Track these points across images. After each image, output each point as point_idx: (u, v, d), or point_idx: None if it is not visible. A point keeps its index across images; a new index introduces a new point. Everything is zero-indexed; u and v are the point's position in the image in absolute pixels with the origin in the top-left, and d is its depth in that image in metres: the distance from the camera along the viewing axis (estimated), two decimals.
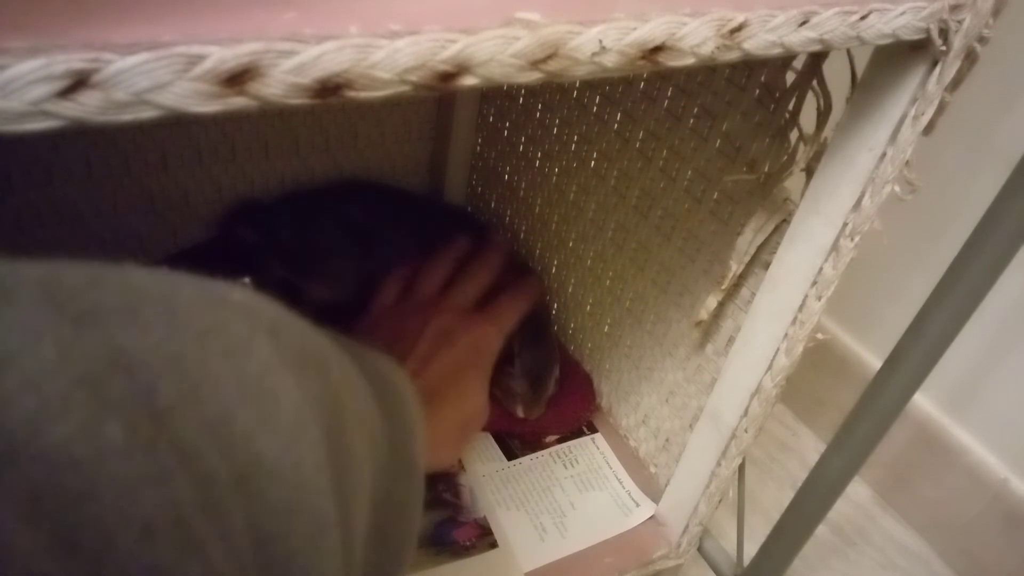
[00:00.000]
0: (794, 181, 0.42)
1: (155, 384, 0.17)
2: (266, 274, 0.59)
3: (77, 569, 0.14)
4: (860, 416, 0.47)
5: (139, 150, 0.58)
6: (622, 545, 0.53)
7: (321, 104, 0.19)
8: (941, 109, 0.35)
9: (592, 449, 0.59)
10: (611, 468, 0.58)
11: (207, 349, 0.19)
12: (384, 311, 0.55)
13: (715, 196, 0.48)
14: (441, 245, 0.59)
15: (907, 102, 0.34)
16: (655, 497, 0.56)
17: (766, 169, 0.44)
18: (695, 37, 0.25)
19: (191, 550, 0.16)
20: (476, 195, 0.75)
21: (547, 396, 0.58)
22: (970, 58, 0.33)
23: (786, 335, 0.42)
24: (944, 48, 0.32)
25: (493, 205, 0.72)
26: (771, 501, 0.73)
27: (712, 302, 0.47)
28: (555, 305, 0.67)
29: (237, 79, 0.18)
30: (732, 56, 0.26)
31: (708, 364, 0.51)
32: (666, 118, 0.51)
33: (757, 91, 0.44)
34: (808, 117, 0.41)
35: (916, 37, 0.31)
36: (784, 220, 0.42)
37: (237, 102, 0.18)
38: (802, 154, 0.41)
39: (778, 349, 0.43)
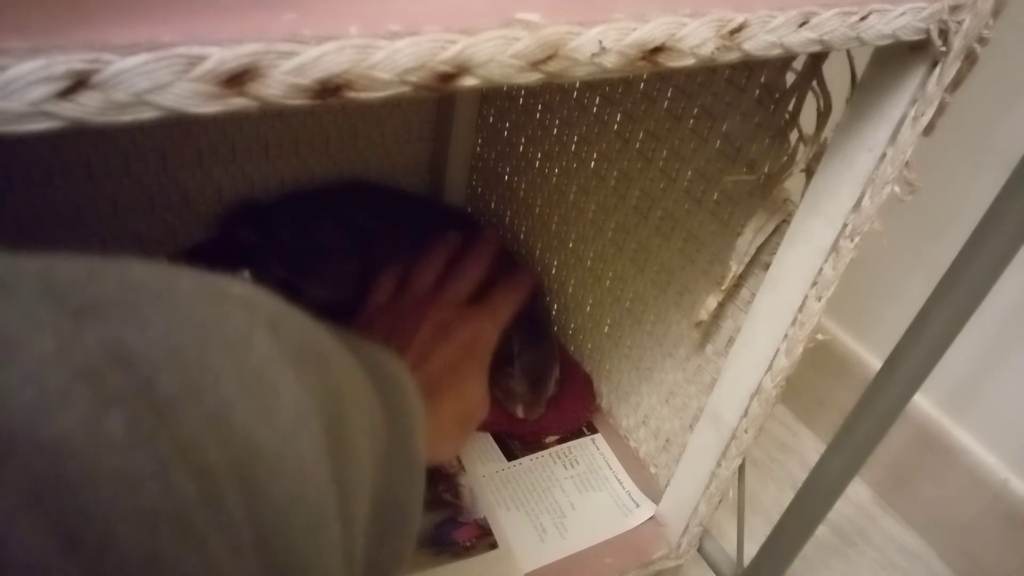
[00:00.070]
0: (794, 182, 0.42)
1: (155, 377, 0.17)
2: (266, 274, 0.59)
3: (77, 560, 0.14)
4: (860, 416, 0.47)
5: (139, 150, 0.58)
6: (622, 545, 0.53)
7: (321, 105, 0.19)
8: (941, 110, 0.35)
9: (592, 450, 0.59)
10: (611, 469, 0.58)
11: (207, 342, 0.19)
12: (378, 309, 0.56)
13: (715, 197, 0.48)
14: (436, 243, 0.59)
15: (907, 103, 0.34)
16: (655, 498, 0.56)
17: (766, 170, 0.44)
18: (695, 38, 0.25)
19: (191, 542, 0.16)
20: (476, 196, 0.75)
21: (547, 397, 0.58)
22: (970, 59, 0.33)
23: (786, 336, 0.42)
24: (944, 49, 0.32)
25: (493, 206, 0.72)
26: (771, 501, 0.73)
27: (712, 303, 0.47)
28: (555, 306, 0.67)
29: (237, 80, 0.18)
30: (732, 57, 0.26)
31: (708, 364, 0.51)
32: (666, 119, 0.51)
33: (757, 92, 0.44)
34: (808, 118, 0.41)
35: (916, 38, 0.31)
36: (784, 221, 0.42)
37: (237, 103, 0.18)
38: (802, 155, 0.41)
39: (778, 350, 0.43)
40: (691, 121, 0.49)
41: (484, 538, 0.51)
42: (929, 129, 0.35)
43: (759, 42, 0.26)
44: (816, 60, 0.40)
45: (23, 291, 0.16)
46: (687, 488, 0.52)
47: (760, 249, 0.44)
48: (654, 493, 0.56)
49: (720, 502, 0.51)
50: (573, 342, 0.65)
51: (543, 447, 0.59)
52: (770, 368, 0.43)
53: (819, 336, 0.42)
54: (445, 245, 0.59)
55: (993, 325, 0.66)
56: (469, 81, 0.21)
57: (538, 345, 0.59)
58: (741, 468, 0.50)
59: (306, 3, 0.20)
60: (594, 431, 0.61)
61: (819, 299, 0.40)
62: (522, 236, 0.69)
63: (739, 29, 0.25)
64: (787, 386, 0.44)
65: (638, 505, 0.55)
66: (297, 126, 0.64)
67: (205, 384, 0.18)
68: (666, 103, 0.50)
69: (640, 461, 0.59)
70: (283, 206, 0.65)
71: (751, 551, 0.56)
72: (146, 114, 0.17)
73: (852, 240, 0.38)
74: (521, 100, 0.65)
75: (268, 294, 0.22)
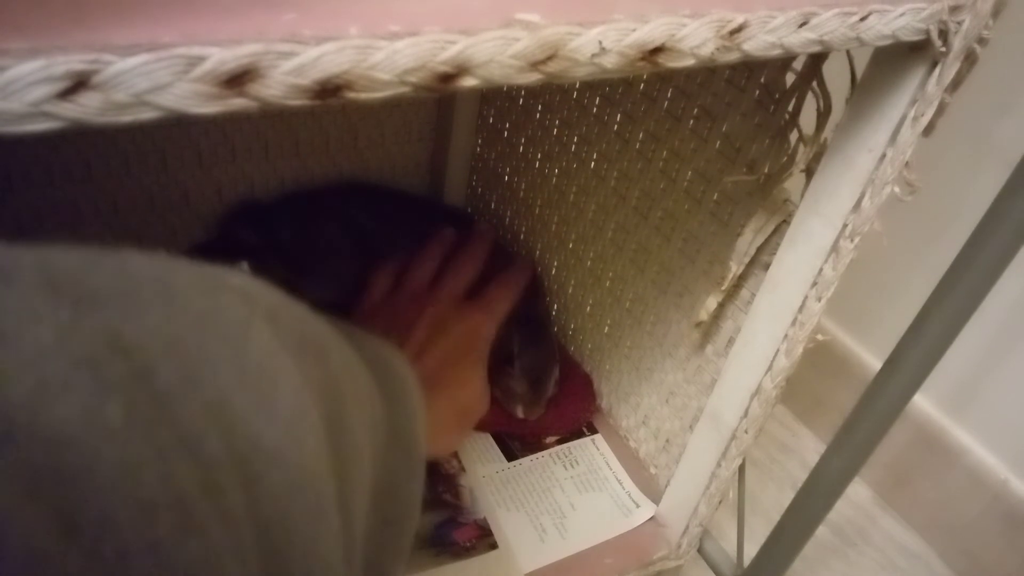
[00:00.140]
0: (794, 182, 0.42)
1: (154, 367, 0.17)
2: (266, 274, 0.59)
3: (77, 548, 0.14)
4: (860, 417, 0.47)
5: (139, 151, 0.58)
6: (622, 546, 0.53)
7: (321, 105, 0.19)
8: (941, 110, 0.35)
9: (592, 450, 0.59)
10: (611, 469, 0.58)
11: (206, 333, 0.19)
12: (375, 305, 0.56)
13: (715, 197, 0.48)
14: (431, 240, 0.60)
15: (907, 103, 0.34)
16: (655, 498, 0.56)
17: (766, 170, 0.44)
18: (695, 38, 0.25)
19: (191, 531, 0.16)
20: (476, 196, 0.75)
21: (547, 397, 0.58)
22: (970, 59, 0.33)
23: (786, 336, 0.42)
24: (944, 49, 0.32)
25: (493, 206, 0.72)
26: (771, 502, 0.73)
27: (712, 303, 0.47)
28: (555, 306, 0.67)
29: (237, 80, 0.18)
30: (732, 57, 0.26)
31: (708, 365, 0.51)
32: (666, 119, 0.51)
33: (757, 92, 0.44)
34: (808, 118, 0.41)
35: (916, 38, 0.31)
36: (784, 221, 0.42)
37: (237, 103, 0.18)
38: (802, 155, 0.41)
39: (778, 350, 0.43)
40: (691, 121, 0.49)
41: (484, 538, 0.51)
42: (929, 129, 0.35)
43: (759, 43, 0.26)
44: (816, 60, 0.40)
45: (22, 282, 0.16)
46: (687, 488, 0.52)
47: (760, 249, 0.44)
48: (654, 493, 0.56)
49: (720, 502, 0.51)
50: (573, 342, 0.65)
51: (543, 447, 0.59)
52: (770, 368, 0.43)
53: (819, 336, 0.42)
54: (440, 241, 0.59)
55: (993, 325, 0.66)
56: (469, 81, 0.21)
57: (538, 345, 0.59)
58: (741, 468, 0.50)
59: (306, 3, 0.20)
60: (594, 431, 0.61)
61: (819, 299, 0.40)
62: (522, 236, 0.69)
63: (739, 30, 0.25)
64: (787, 386, 0.44)
65: (638, 505, 0.55)
66: (297, 126, 0.64)
67: (204, 374, 0.18)
68: (666, 103, 0.50)
69: (640, 461, 0.59)
70: (283, 206, 0.65)
71: (751, 551, 0.56)
72: (146, 115, 0.17)
73: (852, 240, 0.38)
74: (521, 100, 0.65)
75: (267, 286, 0.22)
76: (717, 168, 0.47)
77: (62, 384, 0.15)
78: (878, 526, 0.75)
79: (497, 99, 0.68)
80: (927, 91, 0.33)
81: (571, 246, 0.63)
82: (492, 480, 0.55)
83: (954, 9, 0.31)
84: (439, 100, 0.70)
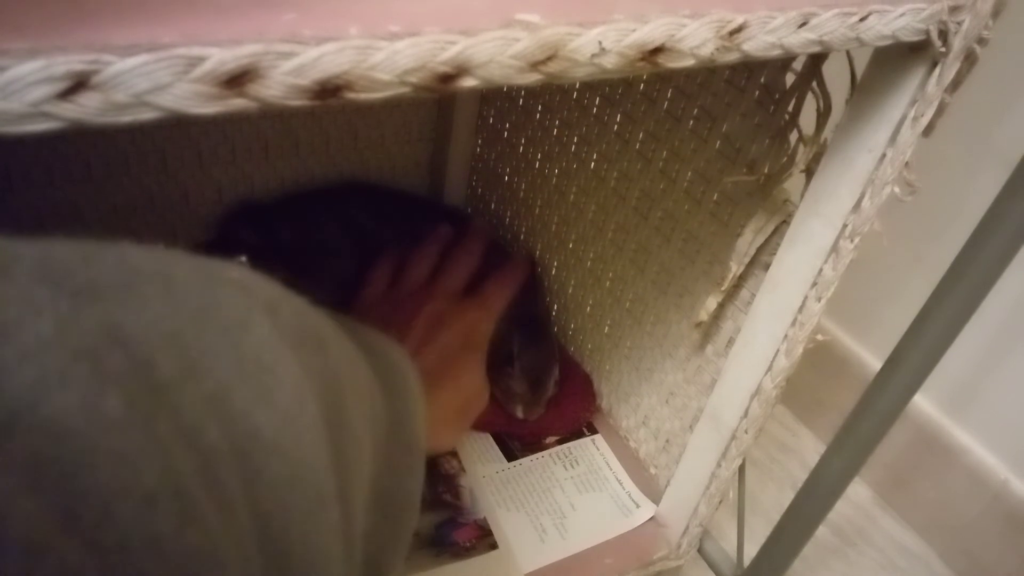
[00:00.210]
0: (794, 182, 0.42)
1: (153, 359, 0.17)
2: (266, 274, 0.59)
3: (77, 539, 0.14)
4: (860, 417, 0.47)
5: (139, 151, 0.58)
6: (622, 546, 0.53)
7: (321, 105, 0.19)
8: (941, 110, 0.35)
9: (592, 450, 0.59)
10: (611, 469, 0.58)
11: (205, 325, 0.19)
12: (372, 302, 0.56)
13: (715, 197, 0.48)
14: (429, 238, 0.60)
15: (907, 103, 0.34)
16: (655, 498, 0.56)
17: (766, 170, 0.44)
18: (694, 38, 0.25)
19: (191, 522, 0.16)
20: (476, 196, 0.75)
21: (547, 397, 0.58)
22: (970, 59, 0.33)
23: (786, 336, 0.42)
24: (944, 49, 0.32)
25: (493, 206, 0.72)
26: (771, 502, 0.73)
27: (712, 303, 0.47)
28: (555, 306, 0.67)
29: (237, 80, 0.18)
30: (731, 57, 0.26)
31: (708, 365, 0.51)
32: (666, 119, 0.51)
33: (757, 92, 0.44)
34: (808, 118, 0.41)
35: (916, 38, 0.31)
36: (784, 221, 0.42)
37: (237, 103, 0.18)
38: (802, 155, 0.41)
39: (778, 350, 0.43)
40: (691, 122, 0.49)
41: (484, 539, 0.51)
42: (929, 130, 0.35)
43: (759, 43, 0.26)
44: (816, 61, 0.40)
45: (21, 274, 0.16)
46: (687, 489, 0.52)
47: (760, 250, 0.44)
48: (654, 494, 0.56)
49: (720, 503, 0.51)
50: (573, 342, 0.65)
51: (543, 447, 0.59)
52: (770, 369, 0.43)
53: (819, 336, 0.42)
54: (437, 238, 0.59)
55: (993, 325, 0.66)
56: (469, 82, 0.21)
57: (538, 345, 0.59)
58: (741, 468, 0.50)
59: (306, 3, 0.20)
60: (594, 431, 0.61)
61: (819, 300, 0.40)
62: (522, 237, 0.69)
63: (739, 30, 0.25)
64: (787, 386, 0.44)
65: (638, 506, 0.55)
66: (297, 126, 0.64)
67: (203, 366, 0.18)
68: (666, 104, 0.50)
69: (640, 462, 0.59)
70: (283, 206, 0.65)
71: (751, 551, 0.56)
72: (146, 115, 0.17)
73: (852, 241, 0.38)
74: (521, 101, 0.65)
75: (265, 279, 0.22)
76: (717, 168, 0.47)
77: (62, 376, 0.15)
78: (878, 526, 0.75)
79: (497, 99, 0.68)
80: (927, 91, 0.33)
81: (571, 246, 0.63)
82: (492, 480, 0.55)
83: (954, 9, 0.31)
84: (439, 100, 0.70)
